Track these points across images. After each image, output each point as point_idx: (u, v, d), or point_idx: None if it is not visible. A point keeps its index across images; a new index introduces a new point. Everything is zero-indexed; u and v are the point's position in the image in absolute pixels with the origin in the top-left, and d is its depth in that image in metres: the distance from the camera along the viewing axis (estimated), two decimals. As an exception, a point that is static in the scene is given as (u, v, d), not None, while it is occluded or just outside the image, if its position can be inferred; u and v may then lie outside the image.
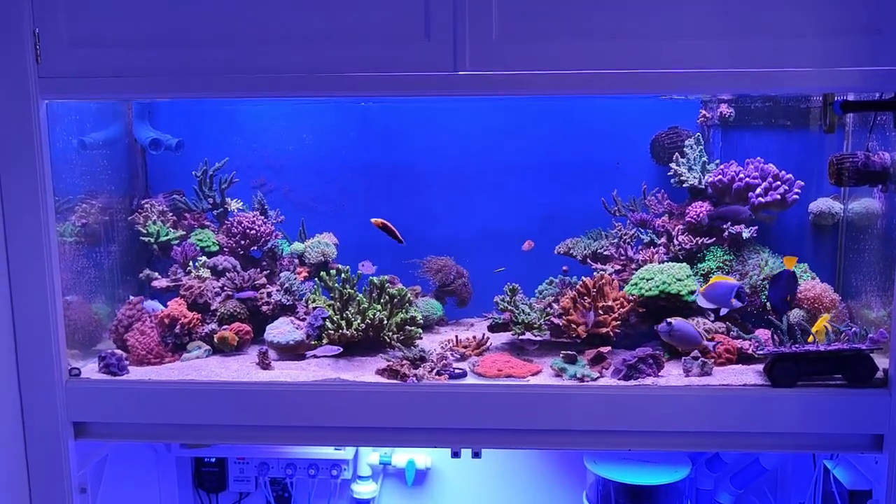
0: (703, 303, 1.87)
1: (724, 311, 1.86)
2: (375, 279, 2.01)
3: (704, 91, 1.98)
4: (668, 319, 1.86)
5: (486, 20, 1.62)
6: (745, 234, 2.01)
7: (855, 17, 1.58)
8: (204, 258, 2.16)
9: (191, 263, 2.13)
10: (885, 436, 1.67)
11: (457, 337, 2.03)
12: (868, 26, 1.58)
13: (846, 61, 1.59)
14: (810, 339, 1.75)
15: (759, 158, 2.04)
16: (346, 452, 2.47)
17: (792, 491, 2.36)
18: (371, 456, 2.53)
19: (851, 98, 1.83)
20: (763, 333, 1.87)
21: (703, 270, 2.01)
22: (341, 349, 1.91)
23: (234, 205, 2.30)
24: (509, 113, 2.31)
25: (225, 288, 2.10)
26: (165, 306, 2.02)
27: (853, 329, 1.74)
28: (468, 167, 2.32)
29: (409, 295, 2.04)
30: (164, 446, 2.45)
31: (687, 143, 2.11)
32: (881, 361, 1.71)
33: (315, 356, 1.93)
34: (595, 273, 2.00)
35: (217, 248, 2.23)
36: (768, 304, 1.90)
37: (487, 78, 1.63)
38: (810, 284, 1.98)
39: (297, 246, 2.29)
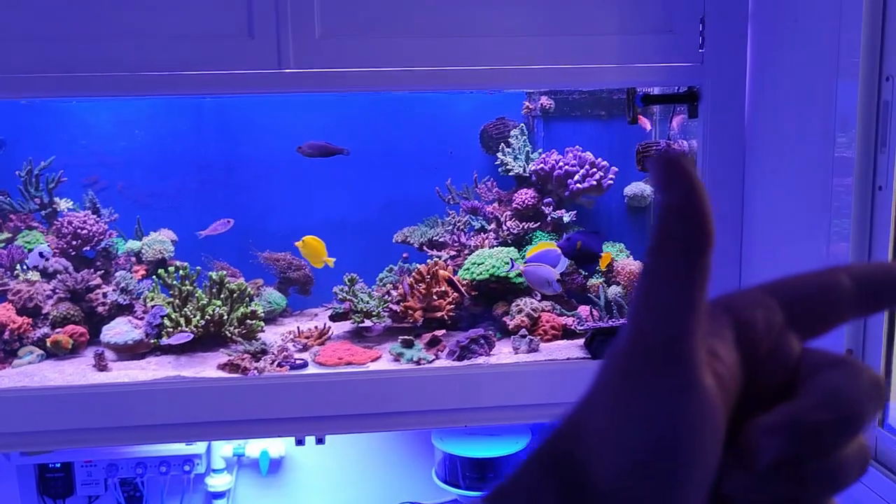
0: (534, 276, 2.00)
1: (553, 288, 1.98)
2: (214, 274, 2.02)
3: (523, 86, 2.09)
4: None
5: (308, 19, 1.66)
6: (566, 218, 2.15)
7: (651, 18, 1.73)
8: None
9: (18, 266, 2.06)
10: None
11: (298, 328, 2.07)
12: (662, 26, 1.73)
13: (645, 58, 1.73)
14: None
15: (577, 147, 2.19)
16: (198, 447, 2.46)
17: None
18: (224, 448, 2.53)
19: (656, 91, 1.99)
20: (584, 310, 2.01)
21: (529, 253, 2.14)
22: (193, 335, 1.91)
23: (63, 204, 2.23)
24: (346, 106, 2.35)
25: (56, 290, 2.05)
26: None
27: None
28: (306, 160, 2.35)
29: (249, 289, 2.06)
30: (3, 455, 2.37)
31: (512, 133, 2.23)
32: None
33: (169, 344, 1.92)
34: (430, 259, 2.09)
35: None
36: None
37: (312, 75, 1.67)
38: (626, 262, 2.15)
39: (133, 244, 2.25)
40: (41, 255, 2.09)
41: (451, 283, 2.02)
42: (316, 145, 2.07)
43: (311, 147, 2.07)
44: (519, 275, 2.02)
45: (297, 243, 2.08)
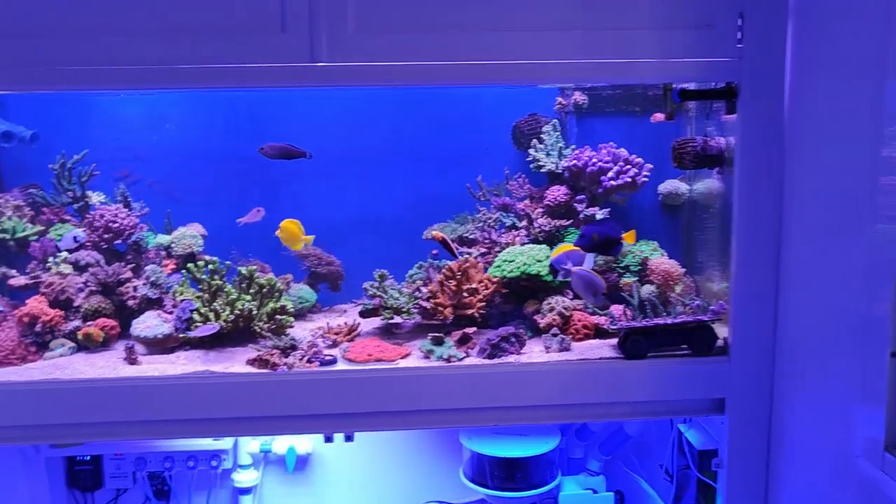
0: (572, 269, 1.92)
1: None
2: (244, 269, 2.01)
3: (557, 81, 2.06)
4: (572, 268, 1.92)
5: (341, 12, 1.64)
6: (599, 216, 2.12)
7: (689, 12, 1.69)
8: (65, 253, 2.10)
9: (50, 259, 2.07)
10: (726, 399, 1.81)
11: (328, 324, 2.06)
12: (702, 21, 1.69)
13: (683, 53, 1.69)
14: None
15: (611, 143, 2.15)
16: (226, 442, 2.47)
17: (654, 454, 2.52)
18: (251, 444, 2.53)
19: (693, 87, 1.95)
20: (616, 309, 1.98)
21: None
22: (218, 328, 1.91)
23: (95, 198, 2.24)
24: (377, 101, 2.33)
25: (88, 283, 2.05)
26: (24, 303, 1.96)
27: (696, 302, 1.87)
28: (337, 155, 2.34)
29: (279, 284, 2.05)
30: (32, 447, 2.38)
31: (545, 129, 2.20)
32: (722, 331, 1.85)
33: (197, 336, 1.92)
34: (461, 256, 2.07)
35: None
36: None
37: (345, 69, 1.66)
38: (660, 260, 2.11)
39: (163, 238, 2.26)
40: (75, 239, 2.10)
41: (444, 243, 2.00)
42: (277, 147, 2.07)
43: (272, 148, 2.07)
44: (549, 272, 1.99)
45: (276, 233, 2.06)
